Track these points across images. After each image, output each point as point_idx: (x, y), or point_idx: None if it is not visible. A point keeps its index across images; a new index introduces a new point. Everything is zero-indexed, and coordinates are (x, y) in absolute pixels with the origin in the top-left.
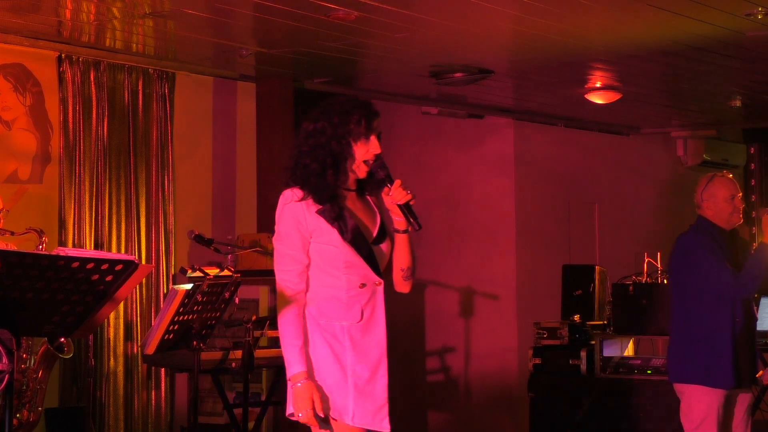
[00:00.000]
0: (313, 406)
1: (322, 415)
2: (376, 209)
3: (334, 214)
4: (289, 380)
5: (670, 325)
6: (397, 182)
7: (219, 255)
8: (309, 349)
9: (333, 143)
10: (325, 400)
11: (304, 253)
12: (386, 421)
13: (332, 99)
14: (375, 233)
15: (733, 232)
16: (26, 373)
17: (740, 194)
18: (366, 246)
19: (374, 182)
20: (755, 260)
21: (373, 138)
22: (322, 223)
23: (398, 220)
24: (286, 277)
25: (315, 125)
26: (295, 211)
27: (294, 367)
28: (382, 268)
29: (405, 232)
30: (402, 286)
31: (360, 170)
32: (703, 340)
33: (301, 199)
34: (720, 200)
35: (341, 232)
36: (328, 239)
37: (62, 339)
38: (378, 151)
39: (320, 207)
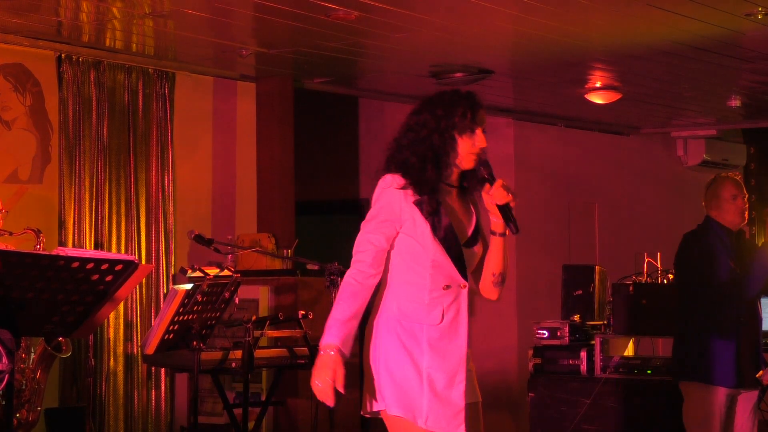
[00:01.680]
0: (334, 378)
1: (341, 390)
2: (474, 210)
3: (431, 208)
4: (319, 349)
5: (674, 323)
6: (499, 182)
7: (219, 255)
8: (383, 345)
9: (435, 136)
10: (341, 377)
11: (386, 240)
12: (462, 427)
13: (437, 92)
14: (469, 234)
15: (740, 233)
16: (24, 373)
17: (744, 195)
18: (457, 246)
19: (476, 179)
20: (760, 261)
21: (478, 131)
22: (417, 215)
23: (496, 222)
24: (359, 258)
25: (417, 118)
26: (392, 197)
27: (328, 337)
28: (470, 271)
29: (502, 235)
30: (491, 292)
31: (466, 162)
32: (708, 339)
33: (401, 187)
34: (723, 201)
35: (433, 229)
36: (418, 233)
37: (60, 338)
38: (484, 144)
39: (418, 198)
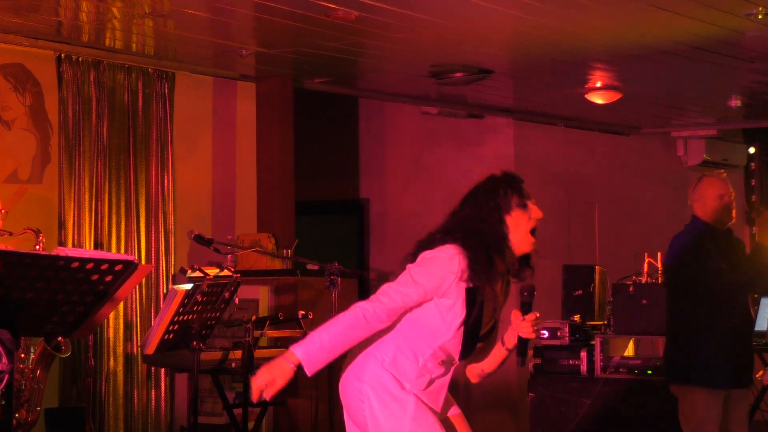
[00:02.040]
0: (271, 386)
1: (267, 399)
2: (501, 297)
3: (474, 300)
4: (286, 353)
5: (666, 325)
6: (532, 316)
7: (219, 255)
8: (372, 397)
9: (488, 226)
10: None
11: (416, 303)
12: None
13: (477, 186)
14: (487, 329)
15: (728, 231)
16: (24, 373)
17: (731, 193)
18: (473, 340)
19: (523, 265)
20: (752, 260)
21: (530, 204)
22: (458, 298)
23: (510, 340)
24: (383, 302)
25: (468, 211)
26: (450, 273)
27: (301, 351)
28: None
29: (509, 351)
30: (473, 378)
31: (525, 244)
32: (701, 340)
33: (464, 266)
34: (709, 200)
35: (465, 322)
36: (450, 315)
37: (59, 338)
38: (540, 215)
39: (471, 286)
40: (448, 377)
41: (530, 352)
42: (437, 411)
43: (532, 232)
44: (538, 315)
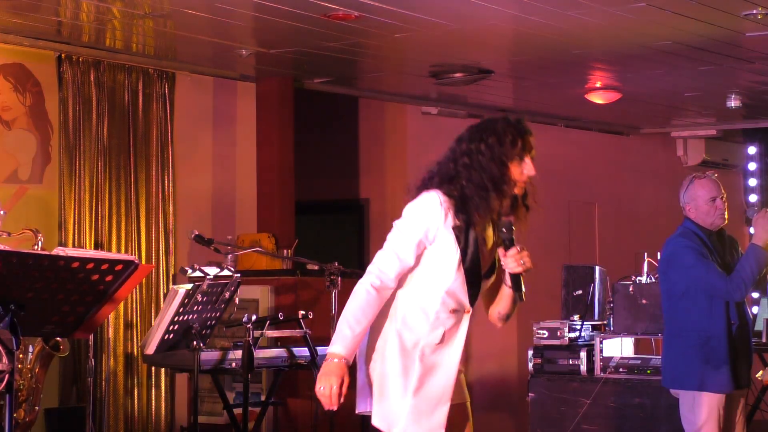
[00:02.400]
0: (339, 385)
1: (338, 402)
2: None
3: (466, 239)
4: (327, 355)
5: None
6: (513, 250)
7: (219, 255)
8: (381, 353)
9: (493, 166)
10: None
11: (414, 259)
12: None
13: (487, 119)
14: (487, 267)
15: (721, 232)
16: (22, 372)
17: (723, 195)
18: (477, 279)
19: (514, 207)
20: (746, 261)
21: (527, 158)
22: (450, 240)
23: (506, 278)
24: (383, 270)
25: (470, 146)
26: (434, 216)
27: (337, 347)
28: (479, 297)
29: (516, 300)
30: (494, 321)
31: (515, 190)
32: (700, 344)
33: (447, 209)
34: (701, 202)
35: (462, 261)
36: (446, 257)
37: (57, 337)
38: (533, 172)
39: (459, 224)
40: (463, 331)
41: (530, 352)
42: (454, 367)
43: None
44: (518, 248)
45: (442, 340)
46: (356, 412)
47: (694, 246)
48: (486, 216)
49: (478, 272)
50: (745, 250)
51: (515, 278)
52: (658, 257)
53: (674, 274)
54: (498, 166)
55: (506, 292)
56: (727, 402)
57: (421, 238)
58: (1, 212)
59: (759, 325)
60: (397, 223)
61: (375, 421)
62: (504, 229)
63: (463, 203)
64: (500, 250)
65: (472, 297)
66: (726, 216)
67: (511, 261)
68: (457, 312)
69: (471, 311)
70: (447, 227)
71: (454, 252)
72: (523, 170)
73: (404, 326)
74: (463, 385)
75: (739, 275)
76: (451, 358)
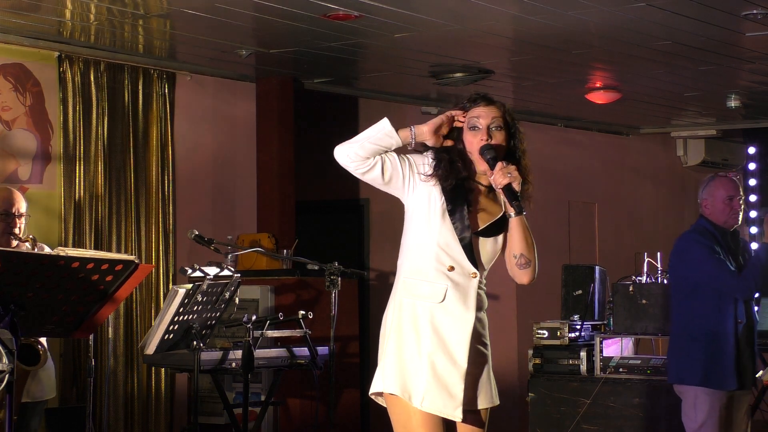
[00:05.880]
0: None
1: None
2: (501, 210)
3: (451, 194)
4: (402, 132)
5: (669, 325)
6: (499, 165)
7: (219, 255)
8: (393, 322)
9: (453, 133)
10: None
11: (392, 168)
12: (459, 410)
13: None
14: (482, 226)
15: (735, 233)
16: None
17: (741, 196)
18: (467, 232)
19: (507, 193)
20: (757, 260)
21: (481, 129)
22: (435, 192)
23: (507, 204)
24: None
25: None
26: (420, 160)
27: (388, 125)
28: (482, 261)
29: (517, 214)
30: (519, 275)
31: (479, 164)
32: (706, 341)
33: (428, 166)
34: (718, 200)
35: (448, 211)
36: (427, 205)
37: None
38: (482, 142)
39: (436, 178)
40: (472, 295)
41: (530, 352)
42: (465, 335)
43: (490, 128)
44: (502, 164)
45: (446, 299)
46: (369, 394)
47: (707, 242)
48: (451, 178)
49: (467, 225)
50: (755, 250)
51: (506, 190)
52: (659, 256)
53: (684, 269)
54: (458, 134)
55: (512, 227)
56: (731, 402)
57: (408, 165)
58: (28, 215)
59: (764, 325)
60: None
61: (391, 390)
62: (485, 152)
63: (439, 162)
64: (488, 172)
65: (470, 256)
66: (740, 217)
67: (498, 176)
68: (457, 271)
69: (478, 275)
70: (429, 179)
71: (436, 201)
72: (473, 139)
73: (407, 292)
74: (493, 387)
75: (750, 273)
76: (462, 323)
